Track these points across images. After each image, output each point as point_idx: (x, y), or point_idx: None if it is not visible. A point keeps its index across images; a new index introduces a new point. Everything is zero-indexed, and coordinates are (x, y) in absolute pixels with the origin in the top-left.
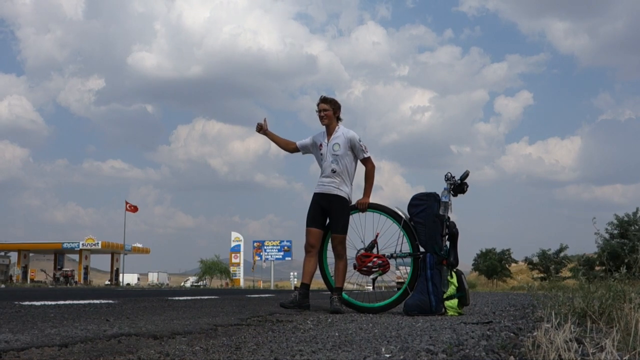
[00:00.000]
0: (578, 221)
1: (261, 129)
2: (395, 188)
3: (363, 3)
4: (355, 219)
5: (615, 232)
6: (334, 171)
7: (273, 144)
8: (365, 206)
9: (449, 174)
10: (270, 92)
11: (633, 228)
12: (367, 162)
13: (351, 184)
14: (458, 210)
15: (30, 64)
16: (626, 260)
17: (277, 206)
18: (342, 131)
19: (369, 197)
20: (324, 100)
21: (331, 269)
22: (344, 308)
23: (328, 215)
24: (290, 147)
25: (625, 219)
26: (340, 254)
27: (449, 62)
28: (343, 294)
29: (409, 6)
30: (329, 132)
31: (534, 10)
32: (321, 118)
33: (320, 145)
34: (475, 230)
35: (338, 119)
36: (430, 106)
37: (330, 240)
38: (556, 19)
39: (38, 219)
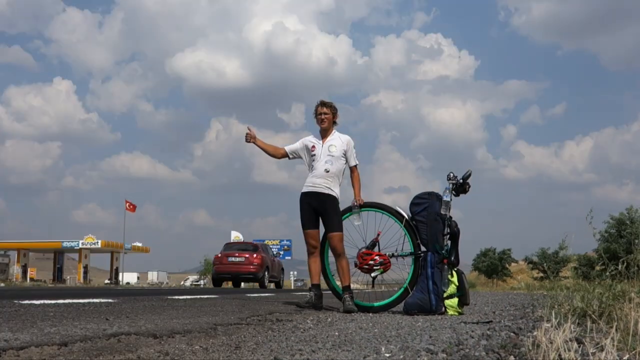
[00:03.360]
0: (583, 220)
1: (251, 138)
2: (419, 190)
3: (396, 15)
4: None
5: (612, 231)
6: (327, 171)
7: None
8: (362, 201)
9: (452, 174)
10: (308, 99)
11: (629, 228)
12: (355, 168)
13: (339, 187)
14: (464, 210)
15: (78, 69)
16: (623, 258)
17: (288, 205)
18: (338, 134)
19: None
20: (323, 104)
21: (332, 269)
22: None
23: (320, 215)
24: (279, 154)
25: (621, 218)
26: (340, 253)
27: (474, 72)
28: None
29: (436, 18)
30: (326, 134)
31: (556, 29)
32: (321, 121)
33: (314, 147)
34: (482, 230)
35: (334, 123)
36: (455, 112)
37: (328, 241)
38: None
39: (67, 220)
